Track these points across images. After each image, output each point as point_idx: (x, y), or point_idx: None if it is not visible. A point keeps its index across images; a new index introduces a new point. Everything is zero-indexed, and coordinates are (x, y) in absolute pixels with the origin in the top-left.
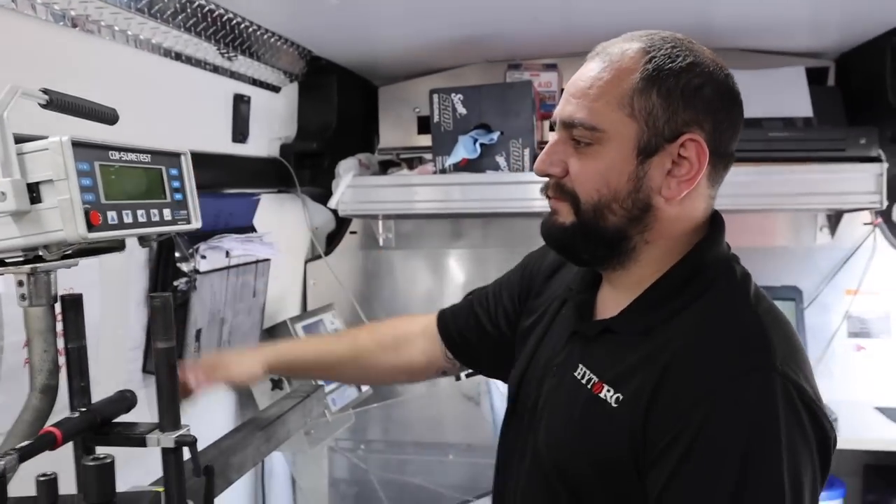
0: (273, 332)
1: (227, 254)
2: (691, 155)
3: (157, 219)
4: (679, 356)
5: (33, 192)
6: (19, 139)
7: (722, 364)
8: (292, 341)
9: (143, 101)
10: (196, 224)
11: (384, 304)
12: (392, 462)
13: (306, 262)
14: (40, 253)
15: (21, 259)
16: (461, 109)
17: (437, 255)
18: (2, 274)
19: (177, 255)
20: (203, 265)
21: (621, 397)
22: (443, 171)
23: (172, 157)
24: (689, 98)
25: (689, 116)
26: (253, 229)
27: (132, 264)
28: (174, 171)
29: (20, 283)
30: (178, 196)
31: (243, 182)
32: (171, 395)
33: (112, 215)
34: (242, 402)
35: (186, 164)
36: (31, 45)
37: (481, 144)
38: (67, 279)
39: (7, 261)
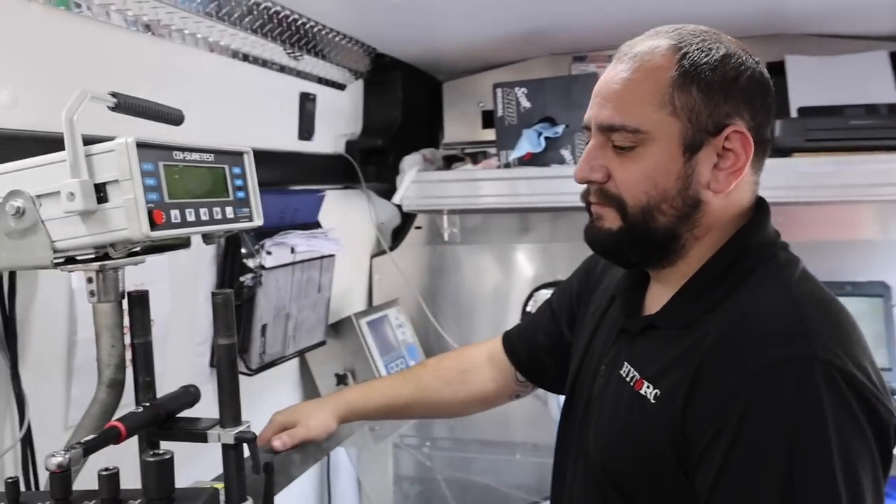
0: (338, 328)
1: (293, 250)
2: (736, 146)
3: (219, 217)
4: (714, 348)
5: (100, 192)
6: (89, 141)
7: (757, 354)
8: (360, 387)
9: (213, 102)
10: (258, 221)
11: (450, 298)
12: (458, 460)
13: (372, 258)
14: (107, 251)
15: (90, 256)
16: (525, 103)
17: (504, 249)
18: (72, 271)
19: (243, 251)
20: (268, 261)
21: (659, 393)
22: (507, 165)
23: (235, 156)
24: (728, 89)
25: (731, 108)
26: (318, 225)
27: (201, 261)
28: (237, 170)
29: (89, 280)
30: (241, 194)
31: (309, 179)
32: (232, 391)
33: (175, 214)
34: (308, 394)
35: (249, 163)
36: (106, 50)
37: (546, 138)
38: (138, 275)
39: (77, 258)
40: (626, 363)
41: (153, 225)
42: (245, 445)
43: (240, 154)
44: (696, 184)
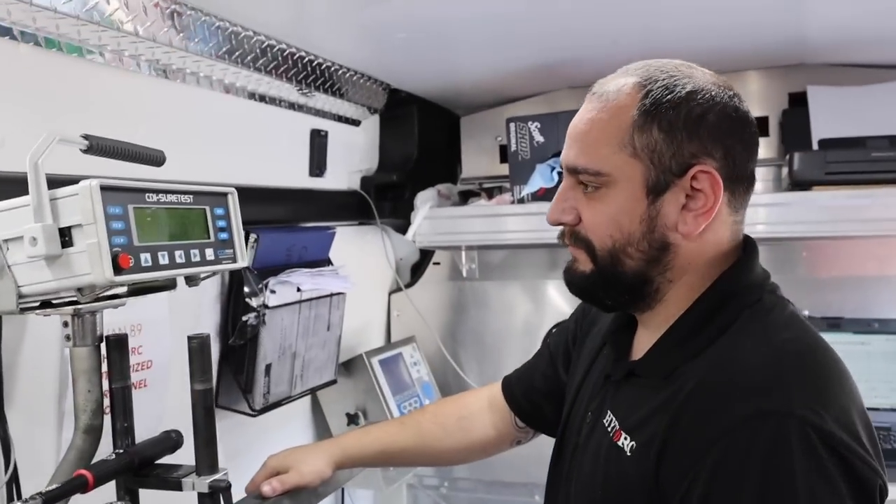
0: (350, 366)
1: (299, 288)
2: (705, 187)
3: (198, 259)
4: (690, 400)
5: (66, 237)
6: (60, 182)
7: (732, 408)
8: (357, 433)
9: (225, 141)
10: (242, 263)
11: (470, 336)
12: (476, 502)
13: (390, 294)
14: (74, 296)
15: (67, 300)
16: (538, 137)
17: (526, 286)
18: (48, 315)
19: (245, 290)
20: (272, 300)
21: (635, 445)
22: (521, 200)
23: (218, 197)
24: (693, 128)
25: (696, 147)
26: (328, 262)
27: (205, 299)
28: (219, 211)
29: (65, 324)
30: (224, 235)
31: (321, 215)
32: (208, 438)
33: (146, 257)
34: (319, 433)
35: (233, 203)
36: (122, 95)
37: (559, 173)
38: (136, 315)
39: (53, 302)
40: (609, 411)
41: (118, 269)
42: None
43: (223, 195)
44: (661, 226)
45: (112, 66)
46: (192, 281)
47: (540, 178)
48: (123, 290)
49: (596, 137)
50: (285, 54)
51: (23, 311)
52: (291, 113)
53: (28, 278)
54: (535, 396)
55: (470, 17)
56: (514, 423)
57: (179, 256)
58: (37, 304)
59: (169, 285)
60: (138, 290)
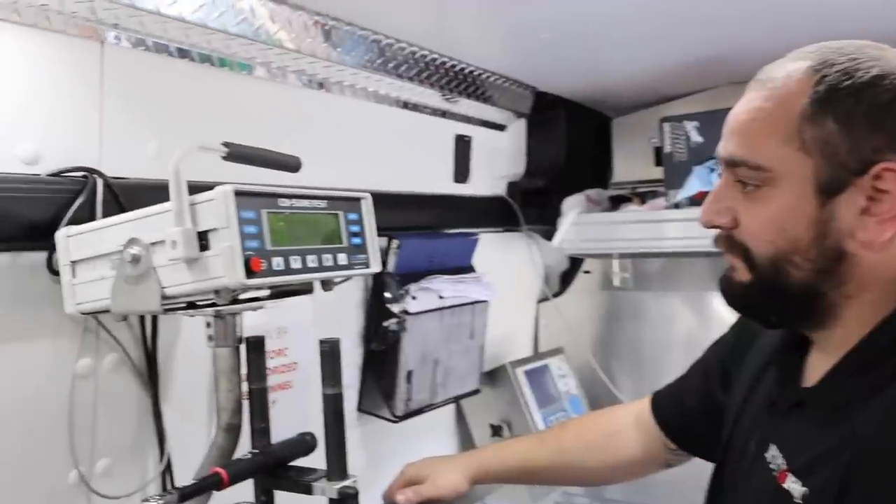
0: (494, 376)
1: (440, 295)
2: (892, 187)
3: (330, 264)
4: (872, 446)
5: (203, 240)
6: (204, 190)
7: None
8: (496, 447)
9: (371, 148)
10: (375, 268)
11: (622, 350)
12: None
13: (538, 303)
14: (211, 298)
15: (208, 302)
16: (696, 137)
17: (686, 297)
18: (192, 316)
19: (386, 295)
20: (413, 306)
21: (808, 492)
22: (676, 205)
23: (352, 202)
24: (878, 119)
25: (882, 141)
26: (471, 269)
27: (348, 304)
28: (353, 216)
29: (207, 325)
30: (357, 240)
31: (465, 222)
32: (338, 443)
33: (278, 261)
34: (462, 444)
35: (367, 209)
36: (284, 108)
37: (719, 175)
38: (281, 318)
39: (198, 304)
40: (773, 445)
41: (250, 273)
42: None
43: (357, 200)
44: (836, 232)
45: (268, 79)
46: (326, 285)
47: (697, 181)
48: (264, 293)
49: (758, 128)
50: (428, 60)
51: (166, 311)
52: (436, 119)
53: (170, 280)
54: (687, 416)
55: (619, 12)
56: (665, 444)
57: (312, 261)
58: (182, 305)
59: (305, 289)
60: (277, 293)
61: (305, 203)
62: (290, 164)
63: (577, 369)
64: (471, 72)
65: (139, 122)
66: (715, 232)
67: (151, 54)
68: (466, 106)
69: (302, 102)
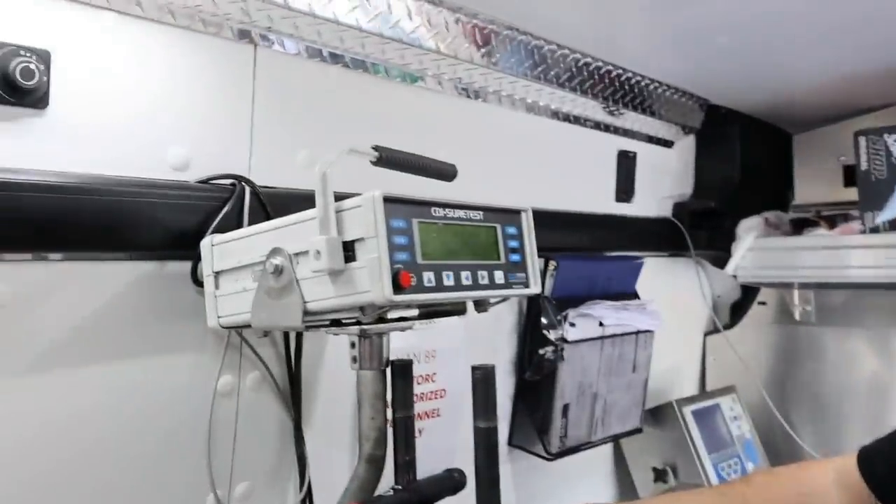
0: (658, 414)
1: (601, 322)
2: None
3: (486, 282)
4: None
5: (349, 251)
6: (343, 197)
7: None
8: (667, 499)
9: (527, 162)
10: (535, 289)
11: (804, 391)
12: None
13: (705, 335)
14: (356, 315)
15: (354, 320)
16: None
17: (875, 335)
18: (336, 334)
19: (543, 321)
20: (572, 333)
21: None
22: (874, 230)
23: (510, 215)
24: None
25: None
26: (635, 296)
27: (501, 328)
28: (511, 230)
29: (352, 345)
30: (515, 257)
31: (627, 244)
32: (490, 483)
33: (429, 277)
34: (622, 489)
35: (527, 223)
36: (438, 117)
37: None
38: (431, 341)
39: (343, 321)
40: None
41: (398, 288)
42: None
43: (516, 212)
44: None
45: (423, 87)
46: (481, 306)
47: None
48: (413, 312)
49: None
50: (592, 69)
51: (308, 328)
52: (597, 133)
53: (313, 294)
54: None
55: (805, 11)
56: None
57: (466, 278)
58: (326, 322)
59: (458, 310)
60: (428, 313)
61: (461, 213)
62: (446, 172)
63: (751, 411)
64: (637, 82)
65: (290, 129)
66: None
67: (304, 59)
68: (631, 119)
69: (457, 111)
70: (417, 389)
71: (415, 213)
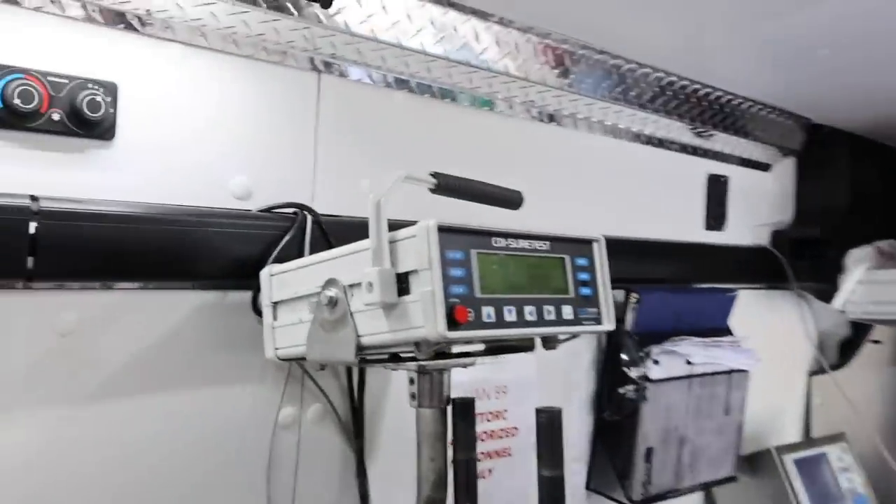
0: (755, 461)
1: (688, 361)
2: None
3: (552, 317)
4: None
5: (403, 283)
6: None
7: None
8: None
9: (601, 188)
10: (608, 326)
11: None
12: None
13: (810, 376)
14: (412, 351)
15: (411, 355)
16: None
17: None
18: (394, 370)
19: (623, 357)
20: (655, 371)
21: None
22: None
23: (580, 245)
24: None
25: None
26: (728, 331)
27: (579, 363)
28: (581, 262)
29: (411, 381)
30: (586, 291)
31: (720, 275)
32: None
33: (488, 312)
34: None
35: (600, 254)
36: (511, 142)
37: None
38: (501, 377)
39: (402, 355)
40: None
41: (453, 324)
42: None
43: (587, 242)
44: None
45: (493, 111)
46: (549, 343)
47: None
48: (477, 347)
49: None
50: (677, 88)
51: (361, 362)
52: (684, 157)
53: (367, 328)
54: None
55: None
56: None
57: (530, 313)
58: (382, 356)
59: (525, 346)
60: (493, 349)
61: (524, 244)
62: (511, 199)
63: (864, 462)
64: (728, 101)
65: (354, 157)
66: None
67: (368, 85)
68: (722, 142)
69: (530, 136)
70: (487, 427)
71: (473, 244)
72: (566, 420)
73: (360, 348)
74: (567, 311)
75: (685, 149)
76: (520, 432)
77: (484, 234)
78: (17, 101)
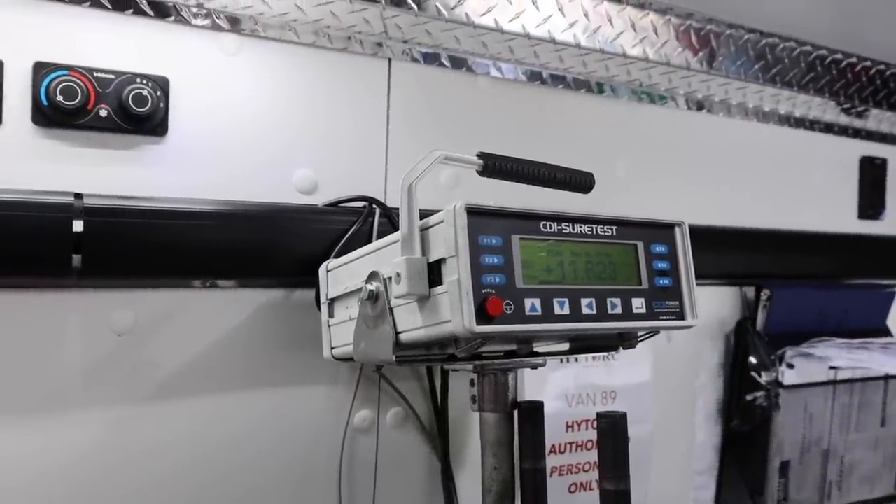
0: None
1: (831, 365)
2: None
3: (617, 311)
4: None
5: (434, 273)
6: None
7: None
8: None
9: (735, 175)
10: (691, 321)
11: None
12: None
13: None
14: (451, 350)
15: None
16: None
17: None
18: (455, 370)
19: (752, 360)
20: (789, 376)
21: None
22: None
23: (659, 230)
24: None
25: None
26: (886, 332)
27: (703, 365)
28: (660, 248)
29: (471, 383)
30: (664, 281)
31: (875, 270)
32: None
33: (532, 304)
34: None
35: (682, 240)
36: (613, 123)
37: None
38: (611, 379)
39: (458, 355)
40: None
41: (482, 317)
42: None
43: (668, 227)
44: None
45: (582, 94)
46: (626, 341)
47: None
48: (562, 346)
49: None
50: (828, 63)
51: (401, 362)
52: (832, 137)
53: (405, 323)
54: None
55: None
56: None
57: (588, 306)
58: (439, 355)
59: (608, 345)
60: (578, 348)
61: (584, 228)
62: (578, 182)
63: None
64: (882, 72)
65: (428, 146)
66: None
67: (444, 69)
68: (877, 119)
69: (633, 118)
70: (592, 435)
71: (516, 229)
72: (688, 429)
73: (399, 345)
74: (638, 304)
75: (832, 128)
76: (635, 441)
77: (531, 218)
78: (59, 98)
